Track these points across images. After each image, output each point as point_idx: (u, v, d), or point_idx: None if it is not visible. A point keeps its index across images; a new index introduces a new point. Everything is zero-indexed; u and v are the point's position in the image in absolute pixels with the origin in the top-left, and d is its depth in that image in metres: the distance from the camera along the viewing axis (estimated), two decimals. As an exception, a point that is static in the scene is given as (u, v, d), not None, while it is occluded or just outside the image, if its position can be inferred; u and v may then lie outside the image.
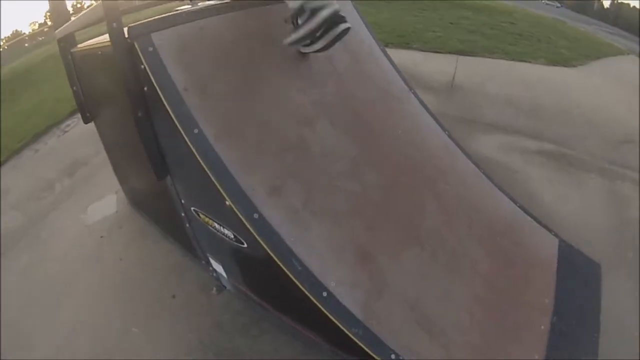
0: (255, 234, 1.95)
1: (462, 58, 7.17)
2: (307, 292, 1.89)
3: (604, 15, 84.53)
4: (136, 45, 2.12)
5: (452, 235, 2.53)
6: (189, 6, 3.40)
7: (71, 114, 7.09)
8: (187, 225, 2.67)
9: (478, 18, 12.47)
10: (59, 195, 4.73)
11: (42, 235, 4.07)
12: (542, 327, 2.32)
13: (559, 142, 4.93)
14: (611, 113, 6.99)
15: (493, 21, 12.50)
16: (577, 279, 2.72)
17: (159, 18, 2.32)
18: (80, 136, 6.05)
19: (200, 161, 2.03)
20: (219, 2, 2.79)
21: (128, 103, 2.25)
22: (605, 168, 4.83)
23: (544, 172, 4.23)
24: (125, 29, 2.15)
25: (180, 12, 2.38)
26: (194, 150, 2.04)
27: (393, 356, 1.90)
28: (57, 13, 3.42)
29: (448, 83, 5.91)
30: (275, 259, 1.92)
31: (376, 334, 1.92)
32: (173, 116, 2.07)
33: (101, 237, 3.74)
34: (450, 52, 7.62)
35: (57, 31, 3.29)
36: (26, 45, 38.80)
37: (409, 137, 2.92)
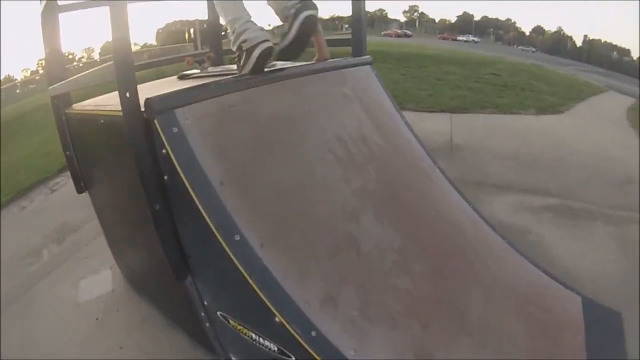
0: (313, 353, 1.71)
1: (455, 116, 7.39)
2: None
3: (577, 54, 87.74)
4: (157, 124, 1.79)
5: (494, 317, 2.48)
6: (197, 71, 3.17)
7: (60, 171, 6.52)
8: (207, 324, 2.32)
9: (462, 72, 12.94)
10: (47, 264, 4.28)
11: (30, 309, 3.64)
12: None
13: (562, 195, 5.02)
14: (606, 154, 7.16)
15: (477, 74, 12.96)
16: (601, 332, 2.76)
17: (181, 90, 2.02)
18: (70, 197, 5.27)
19: (244, 273, 1.74)
20: (235, 72, 2.59)
21: (144, 193, 1.92)
22: (609, 214, 4.91)
23: (553, 229, 4.27)
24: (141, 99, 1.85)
25: (206, 84, 2.10)
26: (235, 260, 1.74)
27: None
28: (53, 66, 3.01)
29: (447, 143, 6.04)
30: None
31: None
32: (207, 218, 1.74)
33: (97, 319, 3.44)
34: (443, 110, 7.84)
35: (50, 87, 2.90)
36: (17, 91, 37.98)
37: (443, 217, 2.81)
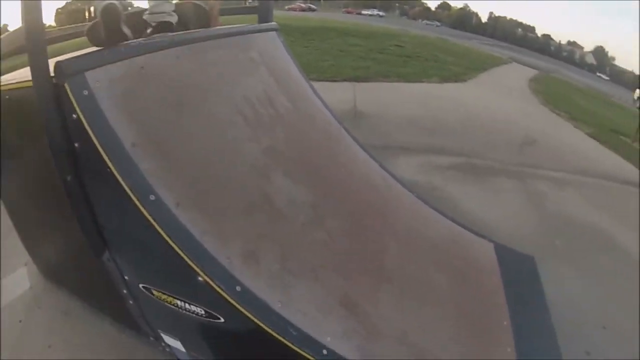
0: (241, 308, 1.78)
1: (358, 85, 7.66)
2: (307, 355, 1.82)
3: (482, 29, 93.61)
4: (67, 88, 1.75)
5: (412, 265, 2.70)
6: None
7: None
8: (131, 302, 2.34)
9: (366, 44, 13.42)
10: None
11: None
12: (505, 322, 2.59)
13: (466, 154, 5.43)
14: (507, 119, 7.82)
15: (381, 46, 13.51)
16: (517, 274, 3.12)
17: (91, 53, 1.98)
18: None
19: (163, 233, 1.75)
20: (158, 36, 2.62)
21: (53, 164, 1.87)
22: (512, 170, 5.43)
23: (459, 185, 4.62)
24: (51, 64, 1.79)
25: (117, 48, 2.09)
26: (152, 221, 1.75)
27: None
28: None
29: (351, 110, 6.22)
30: (267, 329, 1.80)
31: None
32: (120, 180, 1.75)
33: (20, 321, 3.31)
34: (346, 80, 8.09)
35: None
36: None
37: (353, 175, 3.01)
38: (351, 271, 2.34)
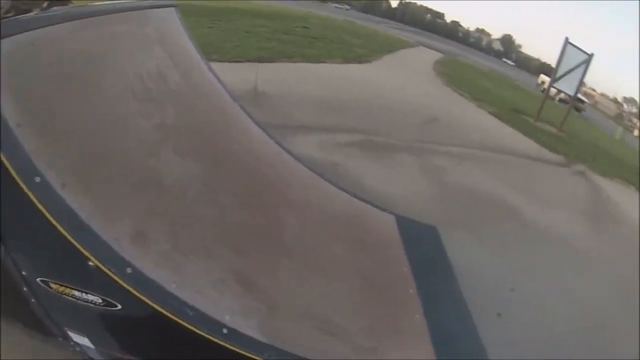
0: (134, 291, 1.74)
1: (262, 65, 7.50)
2: (207, 335, 1.79)
3: (391, 14, 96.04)
4: None
5: (311, 239, 2.71)
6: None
7: None
8: (33, 300, 2.11)
9: (273, 25, 13.27)
10: None
11: None
12: (411, 290, 2.67)
13: (367, 132, 5.50)
14: (410, 99, 8.03)
15: (288, 27, 13.43)
16: (420, 244, 3.20)
17: None
18: None
19: (48, 216, 1.67)
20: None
21: None
22: (413, 147, 5.56)
23: (360, 161, 4.67)
24: None
25: (6, 22, 1.98)
26: (37, 204, 1.66)
27: (306, 363, 2.01)
28: None
29: (251, 91, 6.07)
30: (164, 312, 1.76)
31: (286, 351, 1.93)
32: (6, 162, 1.64)
33: None
34: (250, 61, 7.90)
35: None
36: None
37: (246, 150, 2.99)
38: (247, 247, 2.32)
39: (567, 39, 10.22)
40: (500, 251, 3.92)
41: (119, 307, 1.83)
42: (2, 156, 1.63)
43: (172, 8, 3.29)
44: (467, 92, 10.67)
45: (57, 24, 2.16)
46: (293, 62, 8.32)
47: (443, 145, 6.13)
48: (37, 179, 1.67)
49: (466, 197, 4.72)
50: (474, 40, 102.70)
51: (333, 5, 61.77)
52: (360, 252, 2.85)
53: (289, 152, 3.31)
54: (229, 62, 7.75)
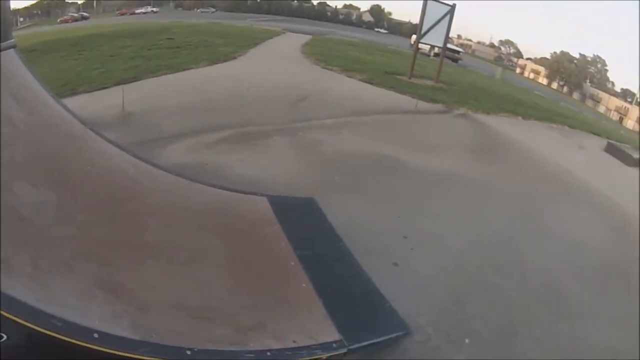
0: (5, 313, 1.73)
1: (128, 86, 7.28)
2: (80, 342, 1.81)
3: (257, 8, 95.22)
4: None
5: (177, 236, 2.82)
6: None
7: None
8: None
9: (137, 43, 12.98)
10: None
11: None
12: (292, 262, 2.83)
13: (237, 125, 5.68)
14: (280, 83, 8.24)
15: (151, 42, 13.18)
16: (297, 217, 3.41)
17: None
18: None
19: None
20: None
21: None
22: (285, 128, 5.80)
23: (231, 155, 4.83)
24: None
25: None
26: None
27: (188, 352, 1.99)
28: None
29: (119, 114, 5.96)
30: (36, 328, 1.76)
31: (162, 344, 1.98)
32: None
33: None
34: (116, 84, 7.68)
35: None
36: None
37: (103, 170, 3.08)
38: (109, 256, 2.39)
39: (425, -5, 10.62)
40: (390, 204, 4.12)
41: (4, 337, 1.79)
42: None
43: (12, 49, 3.24)
44: (336, 66, 10.97)
45: None
46: (157, 76, 8.25)
47: (316, 120, 6.36)
48: None
49: (348, 163, 4.94)
50: (344, 17, 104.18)
51: (198, 10, 60.57)
52: (233, 238, 3.02)
53: (150, 163, 3.44)
54: (96, 90, 7.58)
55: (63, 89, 7.69)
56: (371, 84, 9.50)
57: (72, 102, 6.82)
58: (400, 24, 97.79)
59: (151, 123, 5.58)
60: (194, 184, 3.47)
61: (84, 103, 6.79)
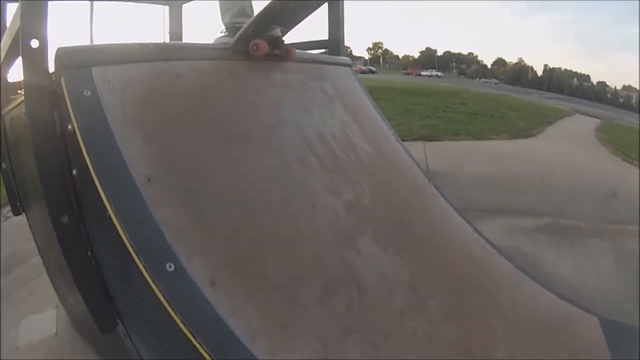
0: None
1: (428, 144, 7.34)
2: None
3: (538, 83, 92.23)
4: (63, 83, 1.26)
5: (524, 353, 2.29)
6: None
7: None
8: None
9: (430, 103, 13.24)
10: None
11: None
12: None
13: (552, 213, 4.95)
14: (582, 172, 7.25)
15: (445, 104, 13.28)
16: (624, 351, 2.63)
17: (108, 45, 1.53)
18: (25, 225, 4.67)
19: (185, 329, 1.13)
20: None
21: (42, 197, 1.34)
22: (601, 229, 4.85)
23: (551, 249, 4.15)
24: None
25: (146, 44, 1.60)
26: (167, 305, 1.14)
27: None
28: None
29: (424, 171, 5.81)
30: None
31: None
32: (122, 234, 1.17)
33: None
34: (415, 139, 7.77)
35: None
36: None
37: (450, 242, 2.43)
38: None
39: None
40: None
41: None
42: (117, 224, 1.19)
43: (348, 68, 2.93)
44: (635, 160, 9.49)
45: (211, 59, 1.79)
46: (459, 139, 8.02)
47: (631, 224, 5.27)
48: (170, 267, 1.18)
49: None
50: (623, 99, 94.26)
51: (482, 80, 61.18)
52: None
53: (491, 243, 2.69)
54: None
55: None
56: None
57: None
58: None
59: (459, 189, 5.22)
60: (534, 284, 2.84)
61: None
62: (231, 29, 2.14)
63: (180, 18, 4.03)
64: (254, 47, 1.86)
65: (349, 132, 2.28)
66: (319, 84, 2.38)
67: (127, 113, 1.33)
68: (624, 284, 3.76)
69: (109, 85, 1.33)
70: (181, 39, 3.95)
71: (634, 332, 2.78)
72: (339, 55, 3.01)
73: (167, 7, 3.95)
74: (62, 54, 1.29)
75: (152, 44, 1.62)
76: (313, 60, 2.61)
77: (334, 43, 3.08)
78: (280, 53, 2.06)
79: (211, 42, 2.15)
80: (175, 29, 4.01)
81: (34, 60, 1.25)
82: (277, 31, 2.04)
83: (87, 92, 1.27)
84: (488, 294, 2.39)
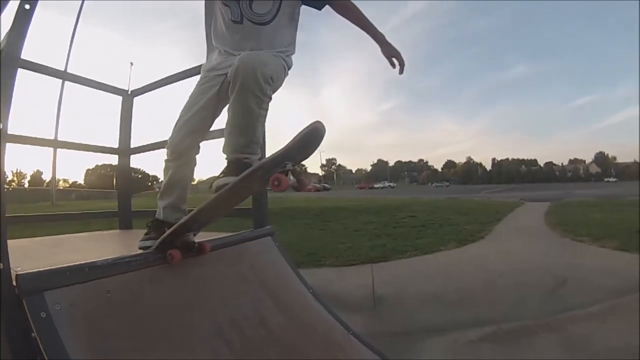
0: None
1: (375, 266, 7.49)
2: None
3: (488, 177, 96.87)
4: (25, 305, 1.61)
5: None
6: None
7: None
8: None
9: (380, 220, 13.69)
10: None
11: None
12: None
13: (497, 320, 5.12)
14: (532, 267, 7.56)
15: (395, 219, 13.76)
16: None
17: (54, 269, 1.83)
18: None
19: None
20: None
21: None
22: (550, 322, 5.05)
23: (495, 356, 4.28)
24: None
25: (81, 265, 1.92)
26: None
27: None
28: None
29: (369, 296, 5.95)
30: None
31: None
32: None
33: None
34: (363, 262, 7.94)
35: None
36: None
37: None
38: None
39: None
40: None
41: None
42: None
43: (269, 238, 3.21)
44: (585, 236, 10.02)
45: (134, 270, 2.12)
46: (407, 257, 8.31)
47: (580, 308, 5.53)
48: None
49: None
50: (571, 173, 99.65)
51: (433, 185, 63.81)
52: None
53: None
54: (343, 265, 7.91)
55: (309, 258, 8.14)
56: (627, 251, 8.25)
57: (320, 274, 7.20)
58: (627, 166, 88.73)
59: (403, 312, 5.40)
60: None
61: (333, 279, 7.04)
62: None
63: (130, 110, 4.44)
64: (170, 257, 2.25)
65: (262, 309, 2.60)
66: (236, 269, 2.75)
67: (73, 328, 1.67)
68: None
69: (57, 306, 1.67)
70: (130, 130, 4.44)
71: None
72: (264, 225, 3.32)
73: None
74: (21, 279, 1.65)
75: (86, 266, 1.93)
76: (231, 243, 2.92)
77: (260, 213, 3.38)
78: (194, 254, 2.43)
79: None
80: (126, 120, 4.43)
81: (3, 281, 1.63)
82: (190, 236, 2.43)
83: (43, 314, 1.62)
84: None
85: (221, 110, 2.54)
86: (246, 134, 2.25)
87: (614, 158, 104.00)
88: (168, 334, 2.05)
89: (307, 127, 1.88)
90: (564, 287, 6.49)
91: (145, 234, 2.50)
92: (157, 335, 2.00)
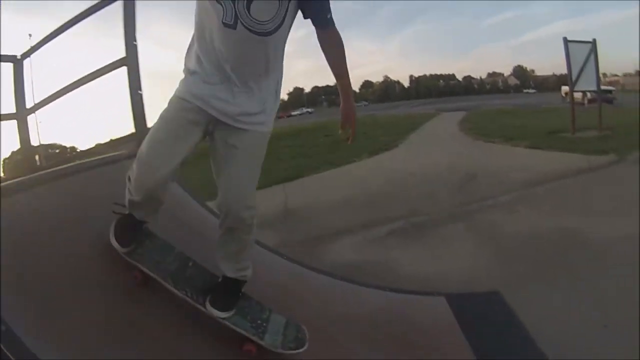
0: None
1: (289, 184, 7.55)
2: None
3: (406, 95, 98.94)
4: None
5: (331, 352, 2.41)
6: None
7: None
8: None
9: (297, 142, 13.67)
10: None
11: None
12: None
13: (407, 215, 5.31)
14: (443, 167, 7.82)
15: (311, 141, 13.80)
16: (480, 317, 2.80)
17: None
18: None
19: None
20: None
21: None
22: (458, 213, 5.31)
23: (402, 250, 4.43)
24: None
25: None
26: None
27: None
28: None
29: (281, 212, 6.04)
30: None
31: None
32: None
33: None
34: (276, 184, 7.79)
35: None
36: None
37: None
38: None
39: (565, 38, 10.17)
40: (584, 290, 3.35)
41: None
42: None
43: None
44: (498, 138, 10.51)
45: None
46: (320, 172, 8.36)
47: (489, 199, 5.80)
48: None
49: (528, 245, 4.31)
50: (490, 86, 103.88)
51: (351, 105, 64.43)
52: (403, 351, 2.48)
53: (307, 266, 3.19)
54: (259, 189, 7.83)
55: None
56: (538, 148, 8.79)
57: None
58: (545, 79, 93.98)
59: (314, 220, 5.45)
60: (359, 288, 3.06)
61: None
62: None
63: (22, 74, 3.74)
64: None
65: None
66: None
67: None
68: (479, 254, 4.13)
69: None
70: (23, 94, 3.79)
71: (492, 297, 3.02)
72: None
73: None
74: None
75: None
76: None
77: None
78: None
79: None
80: (19, 85, 3.73)
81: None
82: None
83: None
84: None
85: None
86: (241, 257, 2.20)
87: (533, 71, 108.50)
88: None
89: None
90: (473, 181, 6.75)
91: None
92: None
